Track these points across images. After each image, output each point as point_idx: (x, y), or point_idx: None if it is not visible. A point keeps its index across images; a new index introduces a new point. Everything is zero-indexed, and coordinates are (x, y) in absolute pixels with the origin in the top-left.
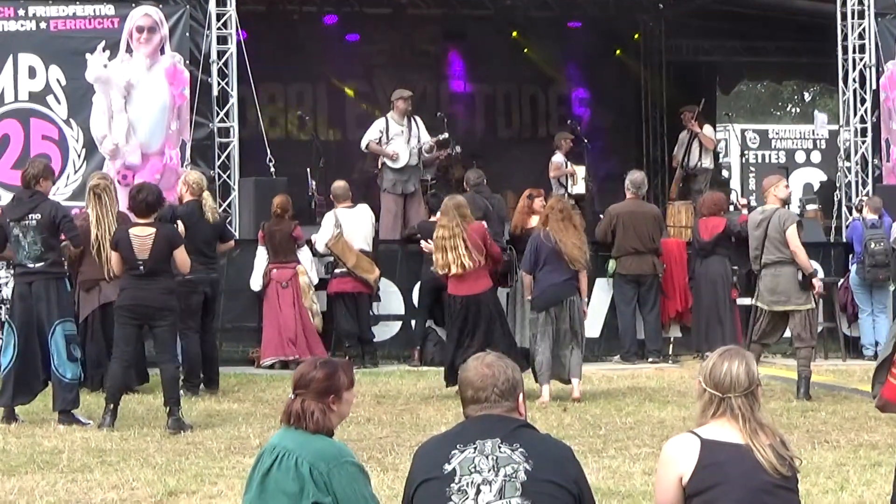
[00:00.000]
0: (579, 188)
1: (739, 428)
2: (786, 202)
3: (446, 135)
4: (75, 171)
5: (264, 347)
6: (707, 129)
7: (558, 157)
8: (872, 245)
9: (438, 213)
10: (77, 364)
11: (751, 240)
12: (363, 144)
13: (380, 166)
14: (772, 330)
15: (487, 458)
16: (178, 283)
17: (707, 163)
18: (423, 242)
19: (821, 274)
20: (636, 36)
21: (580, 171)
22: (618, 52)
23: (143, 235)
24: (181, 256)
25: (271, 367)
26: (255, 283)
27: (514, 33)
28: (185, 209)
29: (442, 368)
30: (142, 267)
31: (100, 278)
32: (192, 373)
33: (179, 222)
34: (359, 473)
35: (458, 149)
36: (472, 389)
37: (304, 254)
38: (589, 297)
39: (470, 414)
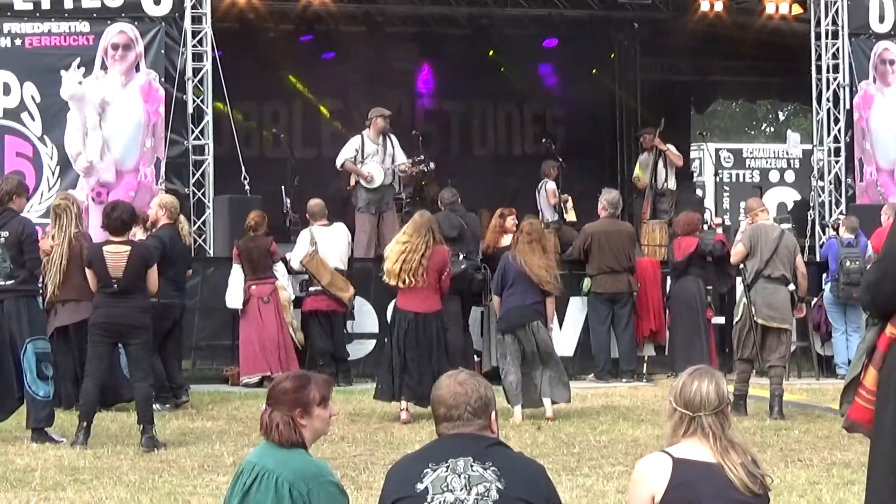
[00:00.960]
0: (571, 216)
1: (710, 446)
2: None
3: (422, 157)
4: (49, 189)
5: (245, 364)
6: (671, 147)
7: (552, 184)
8: (848, 263)
9: (407, 226)
10: (49, 382)
11: (760, 250)
12: (339, 163)
13: (352, 184)
14: (762, 347)
15: (460, 476)
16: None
17: (671, 183)
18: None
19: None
20: (612, 55)
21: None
22: (593, 71)
23: (117, 253)
24: (153, 277)
25: (259, 384)
26: (235, 301)
27: (490, 52)
28: (168, 234)
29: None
30: (115, 285)
31: (56, 301)
32: (161, 388)
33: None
34: (338, 494)
35: (431, 165)
36: (444, 407)
37: (279, 270)
38: (563, 316)
39: (443, 432)
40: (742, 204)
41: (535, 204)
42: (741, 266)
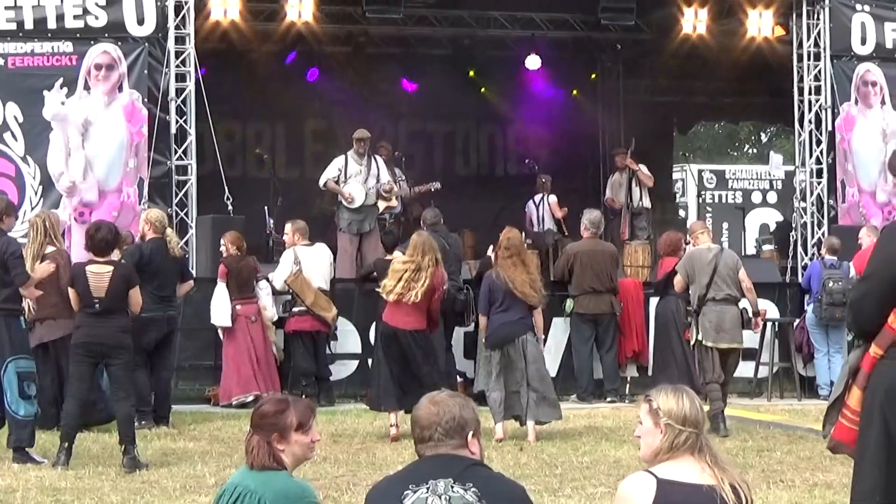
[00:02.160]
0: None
1: (705, 464)
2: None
3: (437, 184)
4: (32, 209)
5: (230, 385)
6: (643, 167)
7: (554, 198)
8: (831, 284)
9: (409, 247)
10: (31, 401)
11: (697, 275)
12: (321, 182)
13: (336, 205)
14: (723, 368)
15: (440, 497)
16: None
17: (647, 202)
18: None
19: (776, 313)
20: (594, 76)
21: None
22: (575, 91)
23: (99, 273)
24: (135, 296)
25: (242, 405)
26: (223, 319)
27: (472, 72)
28: (151, 247)
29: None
30: (97, 304)
31: (35, 318)
32: (141, 401)
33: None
34: None
35: (437, 185)
36: (419, 428)
37: (265, 289)
38: (546, 337)
39: (421, 452)
40: (725, 224)
41: (523, 222)
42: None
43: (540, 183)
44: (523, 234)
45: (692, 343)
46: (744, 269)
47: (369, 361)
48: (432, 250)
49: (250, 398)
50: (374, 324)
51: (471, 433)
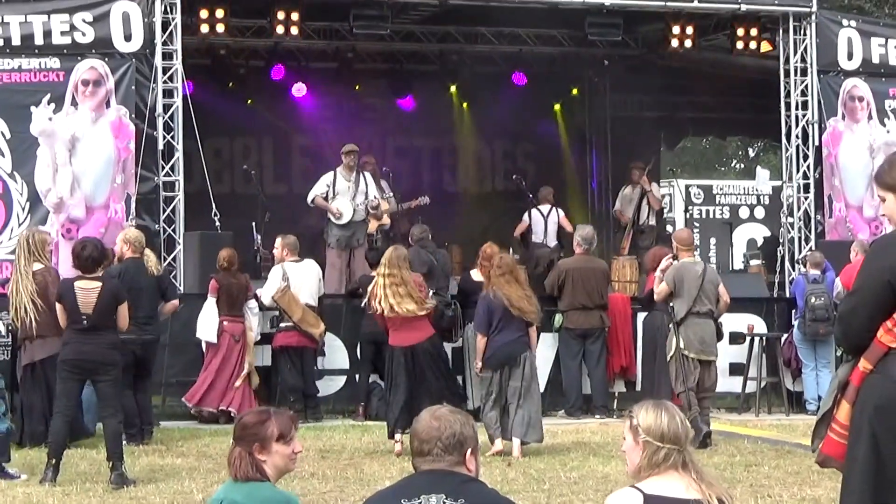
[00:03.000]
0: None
1: (691, 480)
2: None
3: (426, 199)
4: (19, 225)
5: (202, 393)
6: (655, 187)
7: (562, 212)
8: (813, 300)
9: (382, 261)
10: (2, 418)
11: (684, 288)
12: (309, 198)
13: (325, 221)
14: (706, 379)
15: None
16: None
17: (653, 220)
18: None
19: (763, 328)
20: (582, 92)
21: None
22: (562, 106)
23: (88, 289)
24: (123, 313)
25: (198, 414)
26: (209, 333)
27: (459, 88)
28: (127, 267)
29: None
30: (85, 321)
31: (25, 337)
32: (128, 424)
33: None
34: None
35: (426, 199)
36: (417, 441)
37: (252, 309)
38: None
39: (417, 466)
40: (712, 240)
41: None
42: (669, 304)
43: (545, 194)
44: (510, 249)
45: (670, 354)
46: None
47: (357, 377)
48: (404, 264)
49: (207, 410)
50: (361, 340)
51: (469, 450)
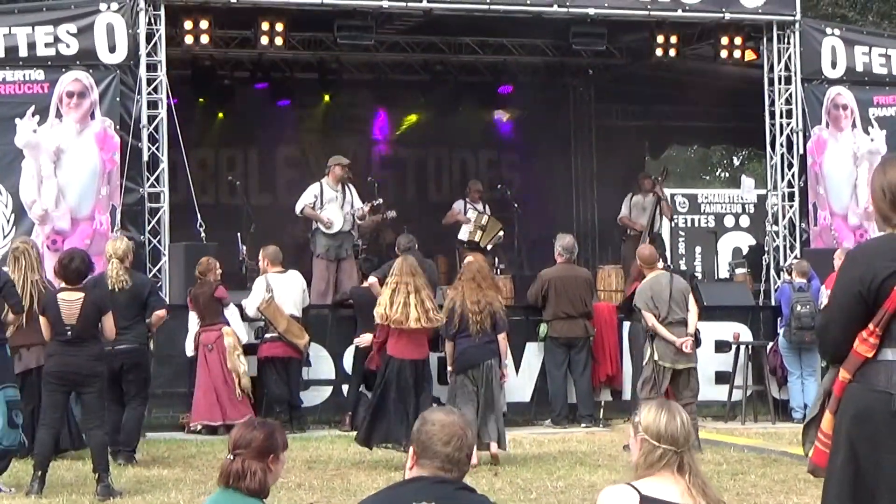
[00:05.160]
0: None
1: (686, 484)
2: None
3: (380, 200)
4: (4, 237)
5: (193, 411)
6: (668, 197)
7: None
8: (799, 307)
9: (393, 270)
10: (17, 430)
11: (655, 300)
12: (298, 209)
13: (312, 231)
14: (685, 386)
15: None
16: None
17: (665, 229)
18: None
19: (749, 337)
20: (566, 101)
21: None
22: (548, 116)
23: (71, 300)
24: (108, 323)
25: (198, 431)
26: (188, 348)
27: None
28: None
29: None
30: (69, 332)
31: (20, 345)
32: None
33: None
34: None
35: (391, 213)
36: (422, 446)
37: (232, 314)
38: (520, 361)
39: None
40: (698, 249)
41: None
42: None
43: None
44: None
45: (644, 362)
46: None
47: (343, 388)
48: (419, 271)
49: (196, 426)
50: (347, 349)
51: (469, 455)
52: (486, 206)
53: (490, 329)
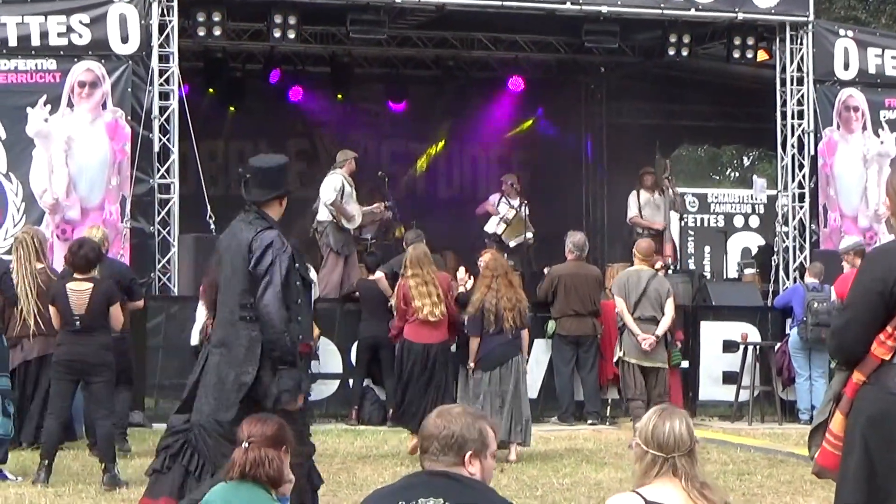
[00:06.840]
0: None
1: (683, 487)
2: None
3: (388, 213)
4: (14, 225)
5: None
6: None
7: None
8: (816, 305)
9: (407, 263)
10: (9, 420)
11: (627, 289)
12: (330, 200)
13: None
14: (653, 386)
15: None
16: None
17: (676, 227)
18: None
19: (757, 337)
20: (578, 99)
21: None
22: (559, 114)
23: (80, 290)
24: (116, 313)
25: None
26: (193, 338)
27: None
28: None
29: (380, 427)
30: (78, 322)
31: (22, 335)
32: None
33: None
34: None
35: (388, 214)
36: (422, 437)
37: None
38: (528, 358)
39: (422, 462)
40: (707, 248)
41: None
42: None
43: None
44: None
45: (615, 360)
46: (672, 299)
47: (351, 381)
48: (428, 261)
49: None
50: (355, 343)
51: (469, 453)
52: (523, 202)
53: (515, 326)
